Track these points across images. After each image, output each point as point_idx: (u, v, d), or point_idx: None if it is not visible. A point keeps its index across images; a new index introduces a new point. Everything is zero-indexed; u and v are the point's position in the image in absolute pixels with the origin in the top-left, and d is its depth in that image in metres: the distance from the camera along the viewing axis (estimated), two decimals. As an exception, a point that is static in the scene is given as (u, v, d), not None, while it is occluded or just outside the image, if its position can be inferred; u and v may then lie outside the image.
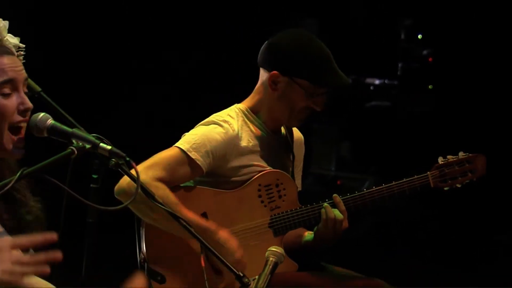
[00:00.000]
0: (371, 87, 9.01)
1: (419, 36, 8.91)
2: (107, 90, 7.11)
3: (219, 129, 3.10)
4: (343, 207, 3.15)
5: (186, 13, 7.26)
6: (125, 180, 2.90)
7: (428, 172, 3.28)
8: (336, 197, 3.16)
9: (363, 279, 3.18)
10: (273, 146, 3.24)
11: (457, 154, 3.34)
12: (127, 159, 2.24)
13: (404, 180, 3.24)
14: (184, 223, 2.37)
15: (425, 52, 9.01)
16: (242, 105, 3.23)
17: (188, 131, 3.19)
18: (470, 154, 3.33)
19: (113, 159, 2.26)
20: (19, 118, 2.27)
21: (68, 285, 2.50)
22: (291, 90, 3.16)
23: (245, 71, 7.31)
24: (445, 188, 3.31)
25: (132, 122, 6.99)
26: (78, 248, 2.40)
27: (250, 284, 2.30)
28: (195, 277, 3.06)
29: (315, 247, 3.26)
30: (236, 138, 3.12)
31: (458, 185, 3.31)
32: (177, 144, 3.08)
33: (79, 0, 6.94)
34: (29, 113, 2.30)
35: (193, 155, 3.03)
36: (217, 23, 7.25)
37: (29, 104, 2.30)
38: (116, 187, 2.91)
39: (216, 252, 2.40)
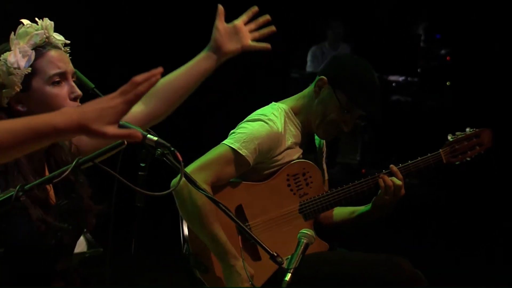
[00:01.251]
0: (393, 84, 8.98)
1: (438, 37, 8.86)
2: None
3: (266, 126, 3.09)
4: (400, 176, 3.17)
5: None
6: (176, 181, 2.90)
7: (440, 150, 3.31)
8: (393, 167, 3.19)
9: (386, 256, 3.18)
10: (305, 145, 3.24)
11: (465, 131, 3.37)
12: (172, 149, 2.24)
13: (419, 158, 3.26)
14: (223, 207, 2.37)
15: (443, 51, 8.96)
16: (284, 105, 3.22)
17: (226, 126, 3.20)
18: (477, 129, 3.36)
19: (159, 149, 2.26)
20: (72, 104, 2.29)
21: (119, 265, 2.52)
22: (329, 99, 3.15)
23: (275, 71, 7.29)
24: (457, 163, 3.33)
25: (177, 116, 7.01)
26: (127, 230, 2.42)
27: (283, 263, 2.30)
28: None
29: (372, 217, 3.26)
30: (280, 135, 3.11)
31: (468, 159, 3.33)
32: (227, 142, 3.06)
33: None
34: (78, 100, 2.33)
35: (243, 152, 3.03)
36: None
37: (79, 92, 2.33)
38: (172, 183, 2.90)
39: (252, 235, 2.40)
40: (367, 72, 3.18)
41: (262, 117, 3.12)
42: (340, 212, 3.36)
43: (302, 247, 2.35)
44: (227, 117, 3.30)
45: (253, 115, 3.16)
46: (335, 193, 3.19)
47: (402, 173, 3.19)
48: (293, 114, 3.20)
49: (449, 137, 3.36)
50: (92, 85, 2.63)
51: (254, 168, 3.12)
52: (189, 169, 2.96)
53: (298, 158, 3.20)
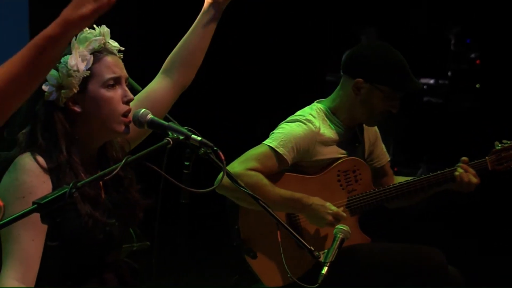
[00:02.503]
0: (425, 86, 8.92)
1: (468, 42, 8.79)
2: (196, 89, 7.16)
3: (303, 126, 3.11)
4: (473, 171, 3.18)
5: (262, 23, 7.27)
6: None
7: (487, 157, 3.28)
8: (463, 163, 3.19)
9: (420, 247, 3.19)
10: (348, 139, 3.25)
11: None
12: (215, 148, 2.26)
13: None
14: (263, 204, 2.39)
15: (473, 55, 8.87)
16: (322, 105, 3.23)
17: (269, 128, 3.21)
18: None
19: (203, 149, 2.28)
20: (124, 107, 2.33)
21: (165, 257, 2.55)
22: (372, 95, 3.16)
23: (311, 74, 7.28)
24: (501, 170, 3.30)
25: (217, 118, 7.04)
26: (173, 223, 2.45)
27: (320, 257, 2.31)
28: (280, 253, 3.08)
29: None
30: (317, 134, 3.13)
31: None
32: (266, 142, 3.09)
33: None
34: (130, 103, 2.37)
35: (280, 150, 3.05)
36: (287, 33, 7.26)
37: (131, 96, 2.37)
38: (216, 181, 2.92)
39: (290, 229, 2.41)
40: (390, 54, 3.20)
41: (299, 118, 3.14)
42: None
43: (338, 241, 2.36)
44: (265, 119, 3.32)
45: (292, 116, 3.18)
46: (382, 191, 3.20)
47: (448, 177, 3.19)
48: (331, 113, 3.20)
49: (496, 145, 3.32)
50: (139, 88, 2.66)
51: (300, 165, 3.14)
52: (232, 164, 3.00)
53: (344, 154, 3.20)
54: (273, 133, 3.14)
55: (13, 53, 1.81)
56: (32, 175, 2.20)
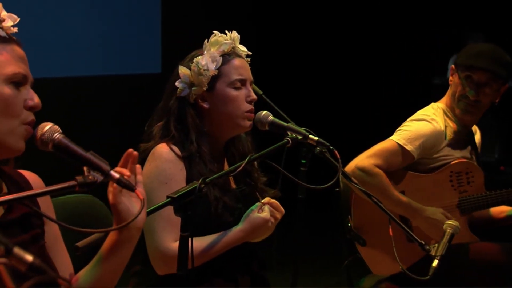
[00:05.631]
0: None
1: None
2: (311, 91, 7.21)
3: (429, 125, 3.09)
4: None
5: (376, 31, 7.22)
6: (349, 167, 2.96)
7: None
8: None
9: None
10: (463, 139, 3.19)
11: None
12: (331, 148, 2.28)
13: None
14: (375, 200, 2.39)
15: None
16: (441, 104, 3.20)
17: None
18: None
19: (318, 148, 2.31)
20: (248, 106, 2.40)
21: (284, 245, 2.58)
22: (454, 78, 3.15)
23: (419, 77, 7.13)
24: None
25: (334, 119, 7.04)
26: (290, 217, 2.48)
27: (431, 251, 2.30)
28: (390, 244, 3.05)
29: None
30: (442, 134, 3.10)
31: None
32: (393, 138, 3.08)
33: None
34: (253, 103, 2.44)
35: (408, 147, 3.03)
36: (397, 38, 7.18)
37: (254, 96, 2.44)
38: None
39: (402, 224, 2.40)
40: (482, 45, 3.17)
41: (425, 117, 3.12)
42: (490, 210, 3.28)
43: (448, 236, 2.34)
44: (377, 121, 3.31)
45: (416, 115, 3.16)
46: (494, 195, 3.13)
47: None
48: (450, 111, 3.17)
49: None
50: (261, 92, 2.70)
51: (419, 162, 3.11)
52: (360, 157, 3.02)
53: (461, 156, 3.15)
54: (399, 130, 3.12)
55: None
56: (170, 163, 2.31)
